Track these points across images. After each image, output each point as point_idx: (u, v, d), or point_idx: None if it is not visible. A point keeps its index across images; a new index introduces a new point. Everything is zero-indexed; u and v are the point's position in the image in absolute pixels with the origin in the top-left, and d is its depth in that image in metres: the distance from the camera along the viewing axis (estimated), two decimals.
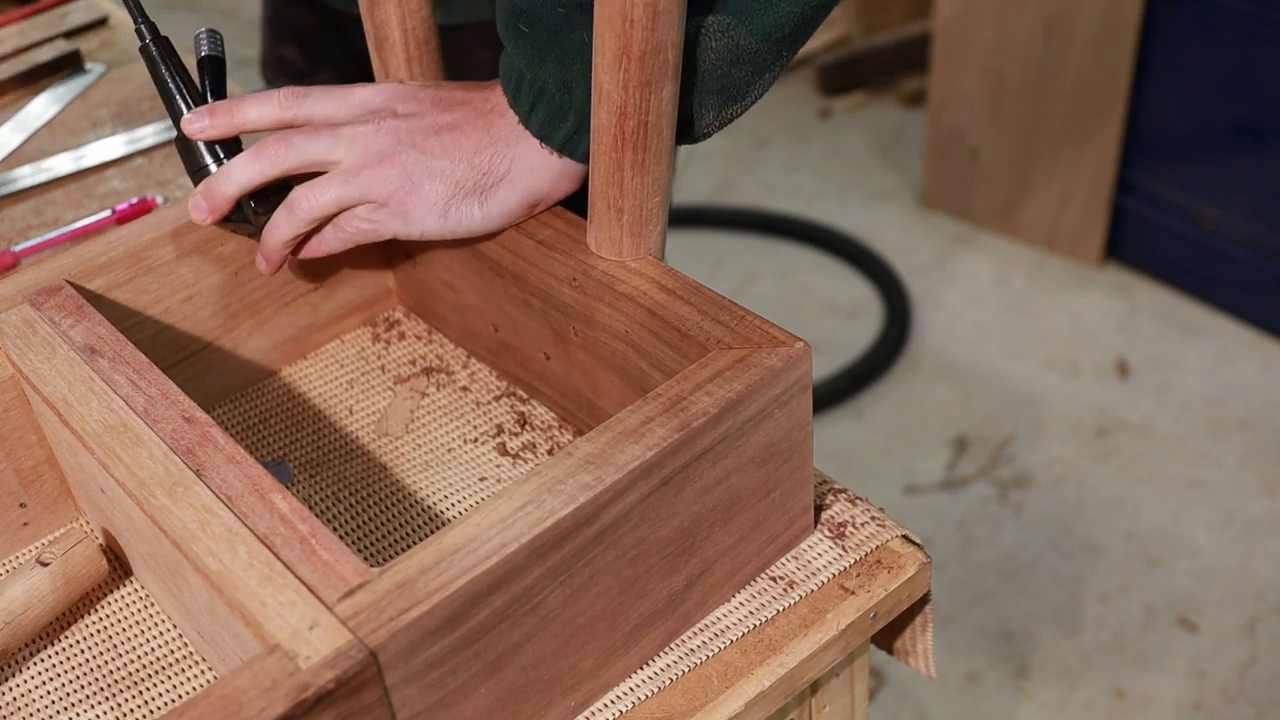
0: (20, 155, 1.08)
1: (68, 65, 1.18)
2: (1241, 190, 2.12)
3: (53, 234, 0.96)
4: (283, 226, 0.75)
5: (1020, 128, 2.29)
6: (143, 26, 0.75)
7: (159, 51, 0.76)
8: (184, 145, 0.76)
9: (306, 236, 0.76)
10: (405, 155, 0.72)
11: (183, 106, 0.76)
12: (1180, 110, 2.13)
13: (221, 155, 0.76)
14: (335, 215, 0.75)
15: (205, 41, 0.78)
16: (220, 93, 0.77)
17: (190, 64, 0.80)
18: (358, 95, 0.75)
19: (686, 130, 0.71)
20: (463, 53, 0.97)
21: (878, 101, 2.85)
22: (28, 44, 1.19)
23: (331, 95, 0.75)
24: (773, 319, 0.66)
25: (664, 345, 0.68)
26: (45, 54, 1.18)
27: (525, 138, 0.72)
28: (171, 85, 0.76)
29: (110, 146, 1.07)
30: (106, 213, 0.98)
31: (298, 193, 0.74)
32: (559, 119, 0.70)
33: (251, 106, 0.75)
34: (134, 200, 0.99)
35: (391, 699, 0.55)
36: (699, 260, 2.45)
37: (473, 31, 0.98)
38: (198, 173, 0.76)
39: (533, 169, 0.73)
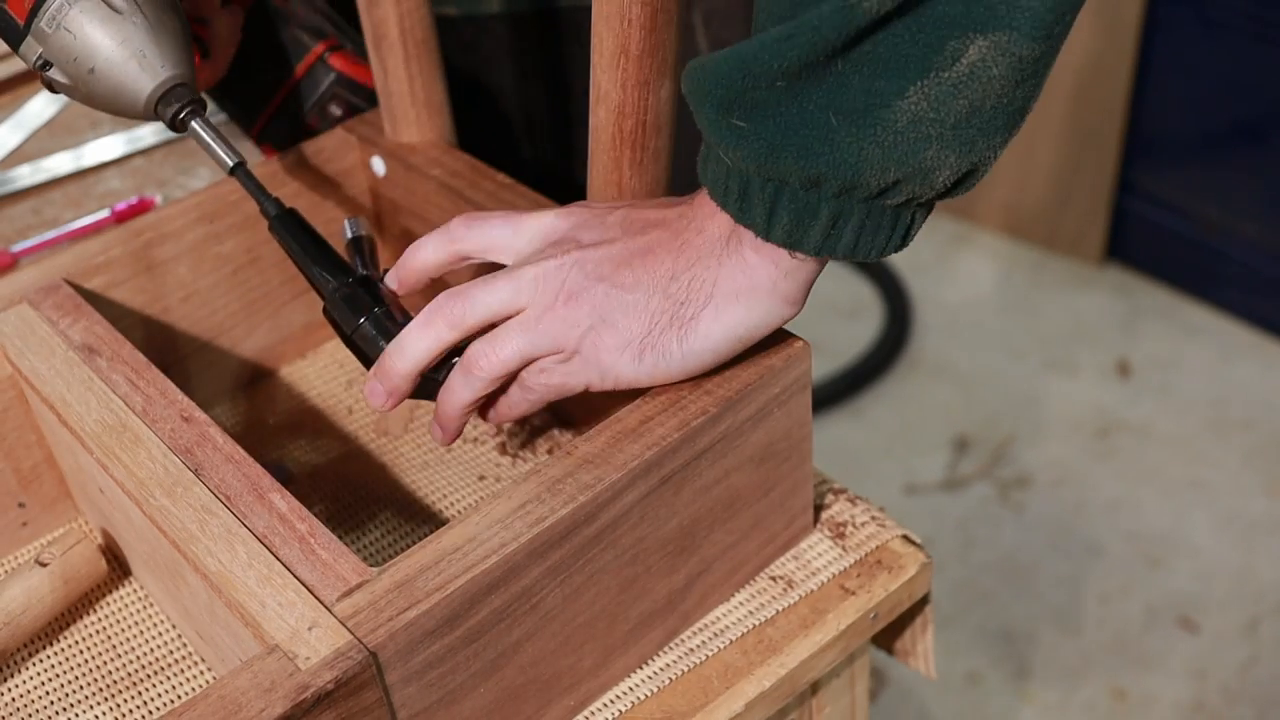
0: (19, 155, 1.08)
1: None
2: (1242, 190, 2.12)
3: (51, 234, 0.96)
4: (460, 391, 0.64)
5: (1020, 127, 2.29)
6: (267, 204, 0.70)
7: (288, 226, 0.70)
8: (343, 314, 0.68)
9: (490, 398, 0.66)
10: (595, 291, 0.61)
11: (327, 276, 0.68)
12: (1180, 110, 2.13)
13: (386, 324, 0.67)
14: (518, 371, 0.64)
15: (351, 227, 0.72)
16: (375, 264, 0.71)
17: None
18: (537, 224, 0.64)
19: (969, 182, 0.57)
20: (466, 47, 0.97)
21: None
22: None
23: (509, 222, 0.65)
24: None
25: None
26: None
27: (730, 257, 0.59)
28: (307, 256, 0.69)
29: (109, 146, 1.07)
30: (105, 212, 0.98)
31: (475, 350, 0.63)
32: (809, 218, 0.56)
33: (426, 248, 0.67)
34: (133, 200, 0.99)
35: (391, 699, 0.54)
36: None
37: (475, 25, 0.98)
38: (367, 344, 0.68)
39: (738, 293, 0.59)
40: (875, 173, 0.53)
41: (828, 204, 0.55)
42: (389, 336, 0.66)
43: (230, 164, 0.69)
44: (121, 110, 0.70)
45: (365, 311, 0.67)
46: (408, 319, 0.66)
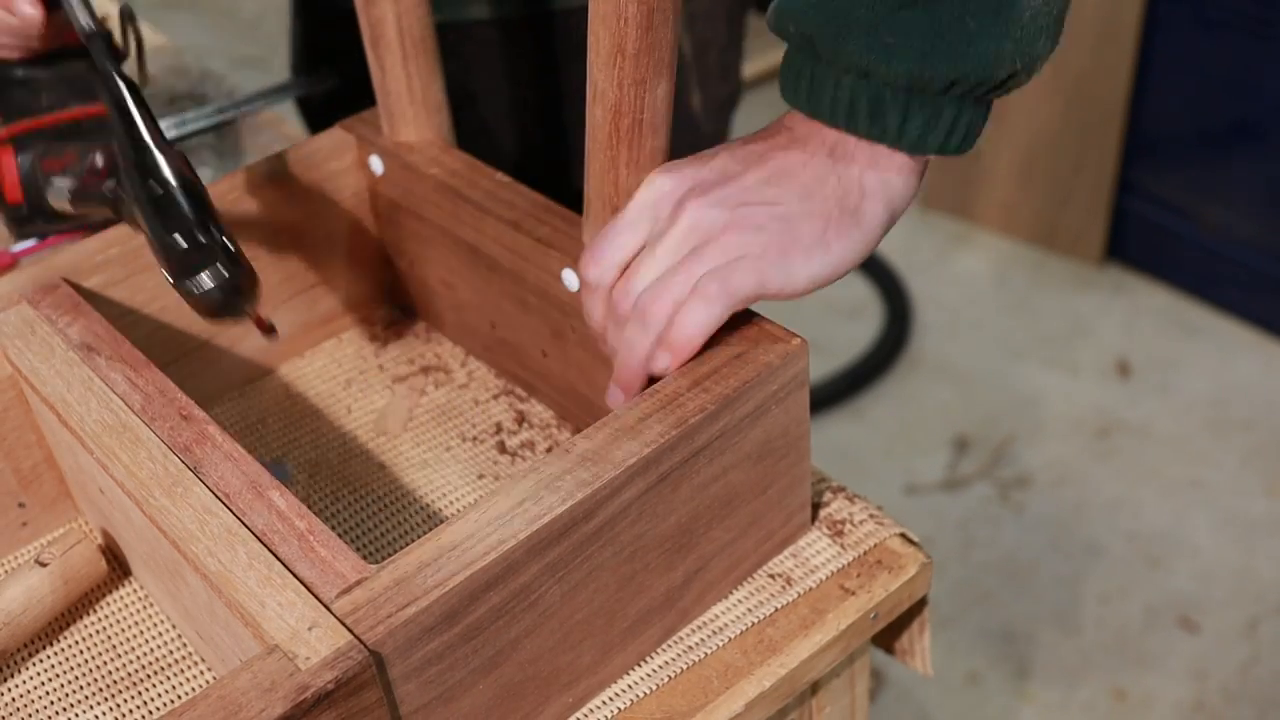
0: None
1: None
2: (1242, 190, 2.12)
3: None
4: (639, 341, 0.64)
5: (1020, 128, 2.29)
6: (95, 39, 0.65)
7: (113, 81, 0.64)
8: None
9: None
10: (746, 214, 0.62)
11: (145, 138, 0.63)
12: (1180, 110, 2.13)
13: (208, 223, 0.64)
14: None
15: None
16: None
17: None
18: (647, 201, 0.64)
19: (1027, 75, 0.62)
20: (465, 51, 0.97)
21: None
22: None
23: (621, 228, 0.65)
24: (772, 319, 0.66)
25: None
26: None
27: (861, 153, 0.62)
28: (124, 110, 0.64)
29: None
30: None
31: (644, 298, 0.63)
32: (935, 120, 0.61)
33: (595, 316, 0.67)
34: None
35: (391, 696, 0.55)
36: None
37: (476, 29, 0.98)
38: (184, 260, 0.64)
39: (885, 180, 0.63)
40: (1005, 67, 0.60)
41: (952, 105, 0.61)
42: (181, 213, 0.64)
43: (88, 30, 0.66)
44: None
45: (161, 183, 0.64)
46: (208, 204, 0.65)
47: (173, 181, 0.64)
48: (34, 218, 0.88)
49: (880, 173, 0.63)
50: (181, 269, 0.64)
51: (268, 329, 0.69)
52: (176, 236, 0.63)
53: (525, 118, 1.01)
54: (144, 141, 0.64)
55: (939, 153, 0.62)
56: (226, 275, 0.64)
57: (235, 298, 0.65)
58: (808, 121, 0.63)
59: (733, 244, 0.62)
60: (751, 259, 0.62)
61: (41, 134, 0.87)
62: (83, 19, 0.67)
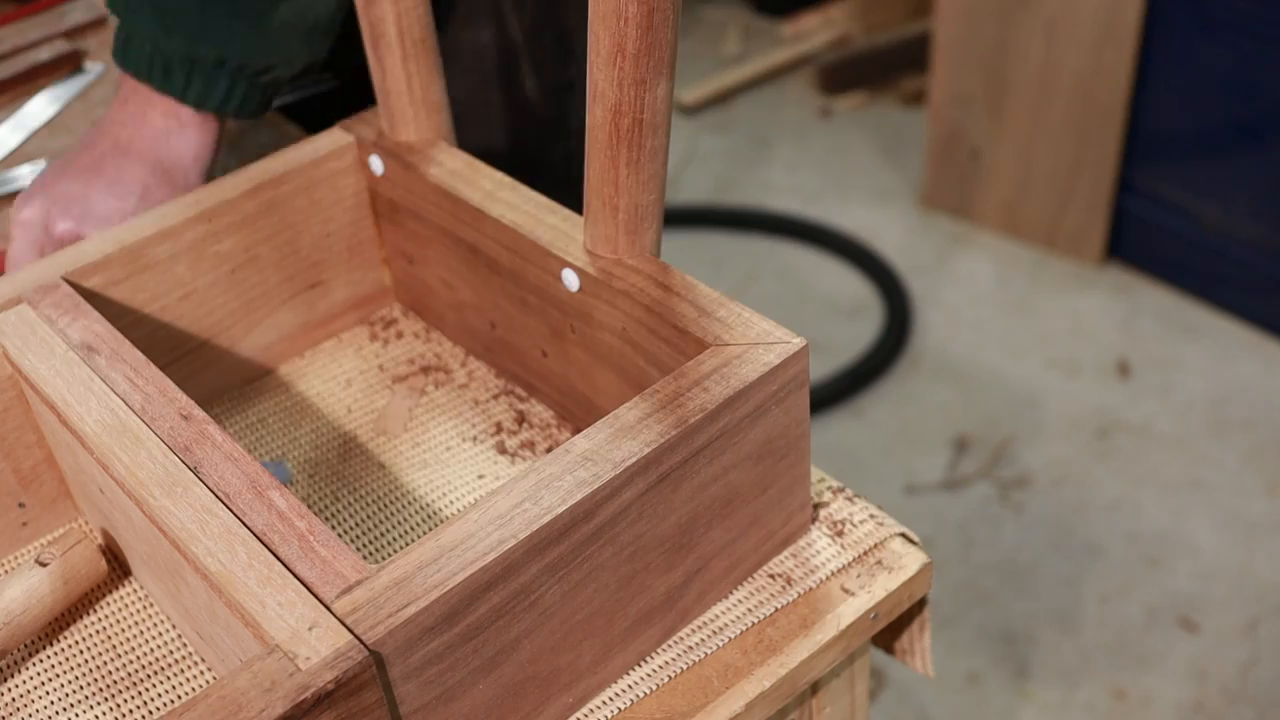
0: (20, 155, 1.08)
1: (67, 65, 1.18)
2: (1242, 190, 2.12)
3: None
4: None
5: (1020, 128, 2.29)
6: None
7: None
8: None
9: None
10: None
11: None
12: (1180, 110, 2.13)
13: None
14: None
15: None
16: None
17: None
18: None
19: (308, 75, 0.89)
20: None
21: (878, 101, 2.85)
22: (27, 43, 1.19)
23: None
24: (773, 319, 0.66)
25: (661, 342, 0.68)
26: (44, 53, 1.17)
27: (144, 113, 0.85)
28: None
29: None
30: None
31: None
32: (212, 86, 0.84)
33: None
34: None
35: (391, 696, 0.54)
36: (699, 260, 2.45)
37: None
38: None
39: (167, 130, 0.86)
40: (261, 60, 0.84)
41: (225, 77, 0.83)
42: None
43: None
44: None
45: None
46: None
47: None
48: None
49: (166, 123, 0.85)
50: None
51: None
52: None
53: (543, 118, 1.02)
54: None
55: (220, 112, 0.85)
56: None
57: None
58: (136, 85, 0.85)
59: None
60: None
61: None
62: None
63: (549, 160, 1.10)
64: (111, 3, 0.84)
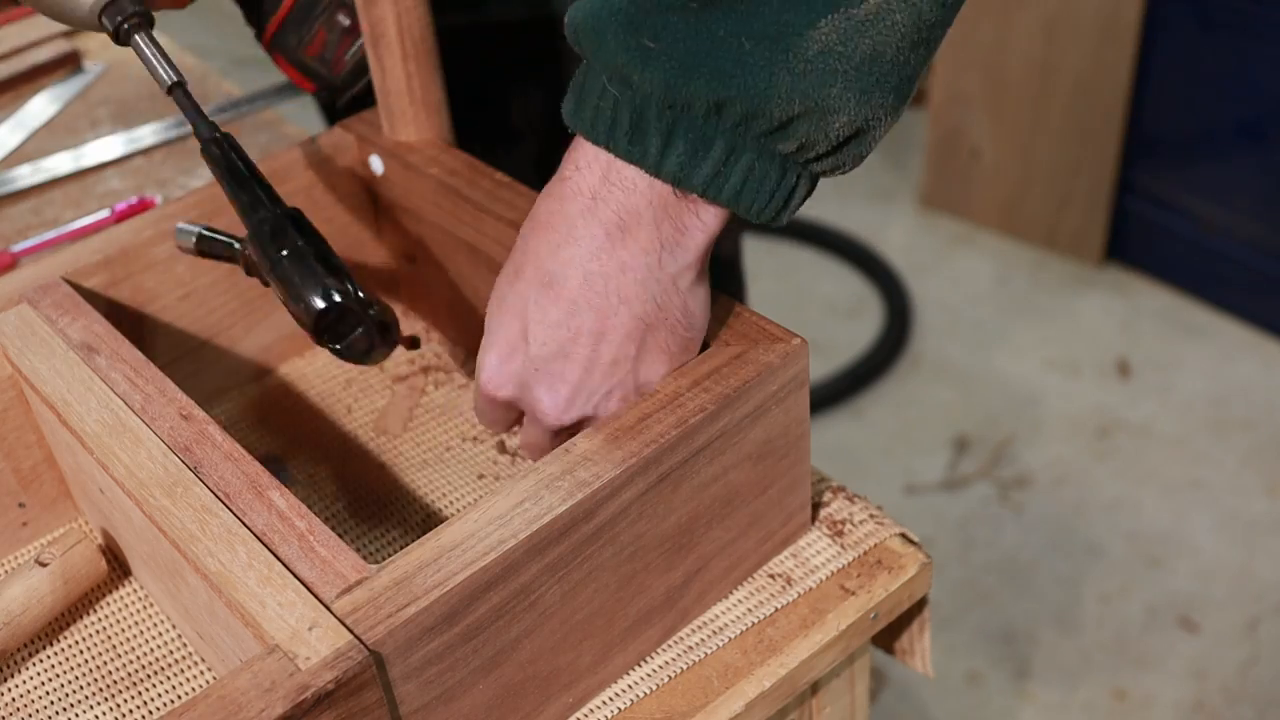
0: (19, 155, 1.08)
1: (67, 64, 1.18)
2: (1242, 190, 2.12)
3: (51, 234, 0.96)
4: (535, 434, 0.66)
5: (1020, 128, 2.29)
6: (201, 126, 0.66)
7: (222, 150, 0.66)
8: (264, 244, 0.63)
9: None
10: (594, 385, 0.62)
11: (250, 203, 0.64)
12: (1180, 110, 2.13)
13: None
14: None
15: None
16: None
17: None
18: (484, 401, 0.65)
19: (856, 148, 0.57)
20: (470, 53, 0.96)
21: None
22: (27, 43, 1.19)
23: (488, 415, 0.67)
24: (773, 319, 0.66)
25: None
26: (44, 53, 1.18)
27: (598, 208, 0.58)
28: (236, 183, 0.65)
29: (109, 146, 1.07)
30: (105, 212, 0.98)
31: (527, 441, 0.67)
32: (703, 149, 0.55)
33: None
34: (133, 200, 0.99)
35: (391, 696, 0.54)
36: None
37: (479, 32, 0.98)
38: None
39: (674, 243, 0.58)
40: (781, 102, 0.53)
41: (724, 136, 0.55)
42: (310, 274, 0.61)
43: (169, 82, 0.67)
44: (64, 15, 0.68)
45: (288, 244, 0.62)
46: (335, 259, 0.63)
47: (298, 243, 0.62)
48: (339, 90, 0.90)
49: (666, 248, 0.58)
50: (321, 328, 0.62)
51: (411, 344, 0.69)
52: (310, 299, 0.61)
53: (533, 117, 1.01)
54: (260, 201, 0.64)
55: (708, 195, 0.56)
56: (363, 326, 0.62)
57: (379, 343, 0.63)
58: (582, 152, 0.58)
59: (579, 399, 0.62)
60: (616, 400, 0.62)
61: (286, 25, 0.87)
62: (162, 72, 0.67)
63: None
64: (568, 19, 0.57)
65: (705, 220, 0.58)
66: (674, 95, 0.54)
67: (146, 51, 0.67)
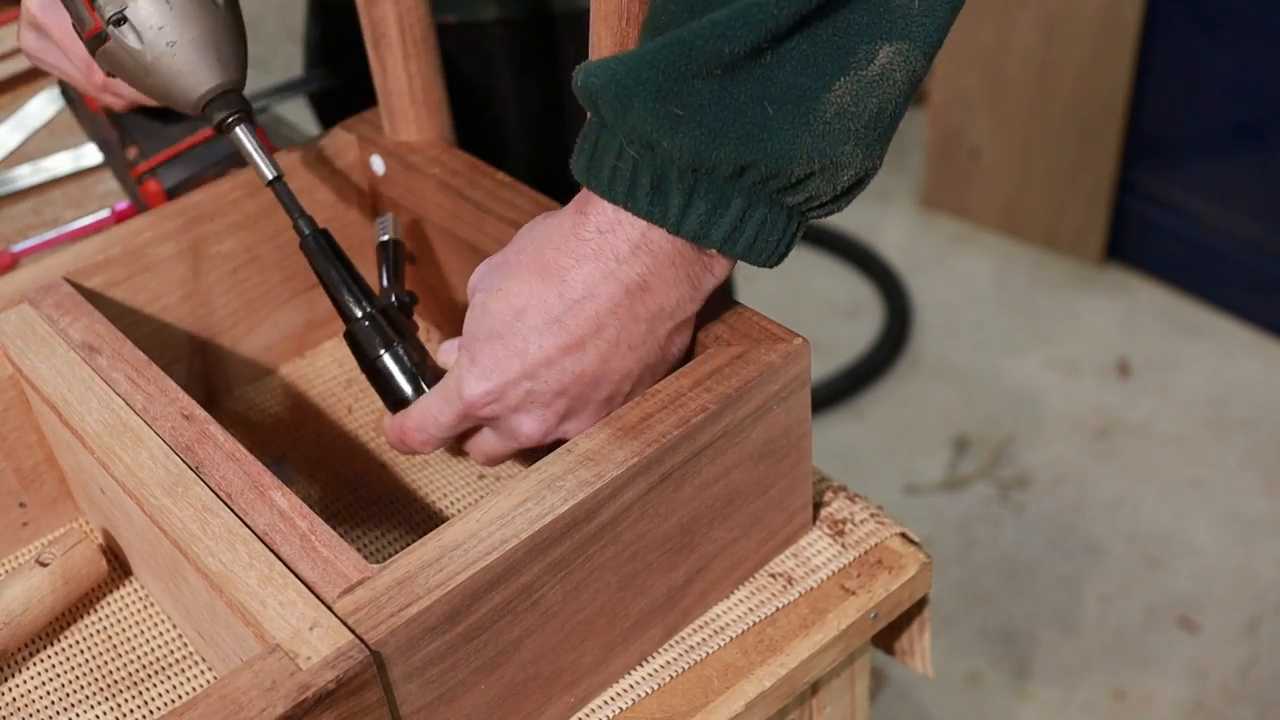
0: (19, 155, 1.08)
1: None
2: (1241, 190, 2.12)
3: (52, 233, 0.96)
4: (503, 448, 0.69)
5: (1020, 128, 2.29)
6: (301, 222, 0.70)
7: (320, 247, 0.71)
8: (366, 343, 0.71)
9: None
10: (566, 405, 0.64)
11: (351, 304, 0.70)
12: (1180, 110, 2.13)
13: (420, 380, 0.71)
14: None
15: (381, 228, 0.75)
16: (400, 279, 0.74)
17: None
18: (456, 410, 0.66)
19: (855, 193, 0.60)
20: (474, 51, 0.97)
21: None
22: None
23: (442, 427, 0.68)
24: (773, 319, 0.66)
25: None
26: None
27: (660, 256, 0.60)
28: (337, 279, 0.70)
29: None
30: (105, 212, 0.98)
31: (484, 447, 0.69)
32: (722, 209, 0.57)
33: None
34: None
35: (392, 696, 0.54)
36: None
37: (476, 30, 0.98)
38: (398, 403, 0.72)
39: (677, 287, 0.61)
40: (801, 162, 0.56)
41: (741, 195, 0.57)
42: (406, 373, 0.70)
43: (270, 177, 0.69)
44: (168, 98, 0.69)
45: (386, 345, 0.70)
46: (416, 353, 0.71)
47: (380, 354, 0.70)
48: None
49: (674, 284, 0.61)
50: (397, 406, 0.71)
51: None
52: (398, 391, 0.71)
53: (533, 115, 1.01)
54: (351, 315, 0.71)
55: (724, 250, 0.59)
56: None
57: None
58: (599, 210, 0.60)
59: (565, 425, 0.64)
60: (585, 419, 0.64)
61: (179, 160, 0.88)
62: (264, 167, 0.70)
63: None
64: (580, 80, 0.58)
65: (717, 273, 0.61)
66: (701, 160, 0.56)
67: (247, 145, 0.70)
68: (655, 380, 0.64)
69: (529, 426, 0.64)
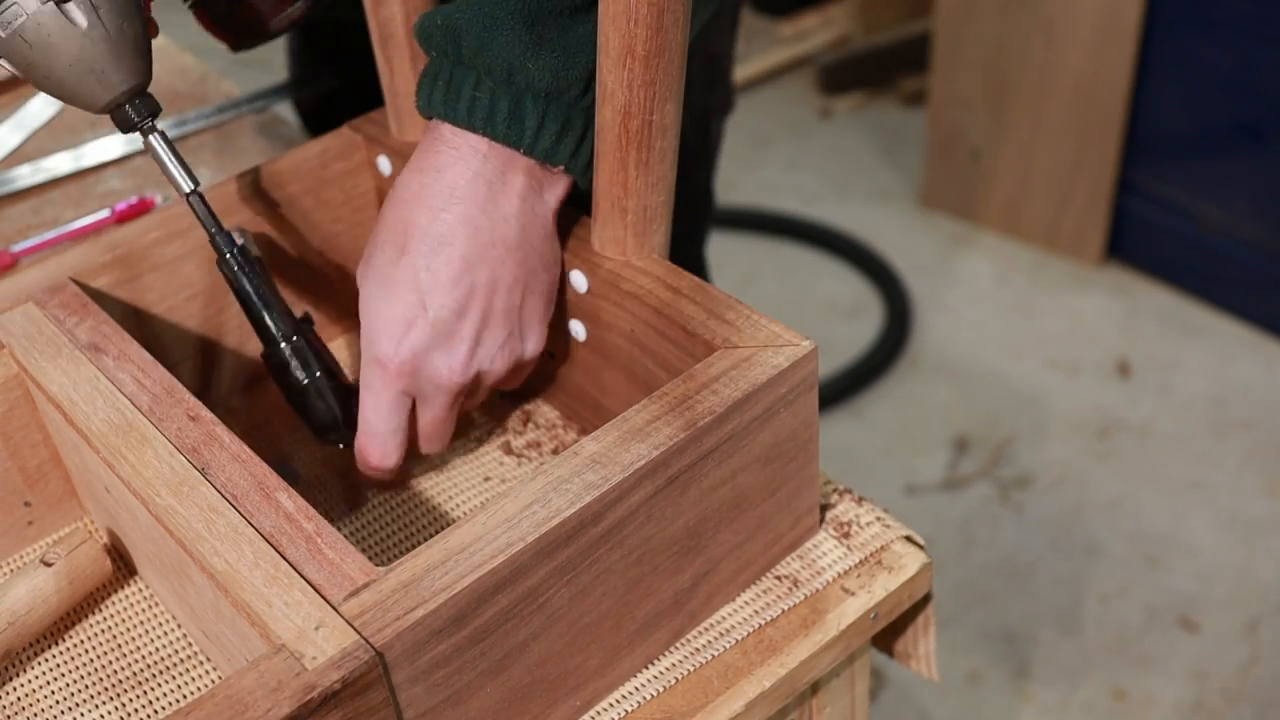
0: (20, 155, 1.08)
1: None
2: (1241, 190, 2.12)
3: (52, 234, 0.96)
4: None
5: (1020, 128, 2.29)
6: (219, 239, 0.70)
7: (240, 266, 0.71)
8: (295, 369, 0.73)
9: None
10: (479, 352, 0.69)
11: (273, 326, 0.72)
12: (1180, 110, 2.13)
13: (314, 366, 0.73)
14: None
15: (239, 236, 0.74)
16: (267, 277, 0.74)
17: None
18: (373, 392, 0.70)
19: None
20: None
21: (878, 101, 2.85)
22: None
23: (384, 416, 0.71)
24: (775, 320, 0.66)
25: (670, 344, 0.68)
26: None
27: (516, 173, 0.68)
28: (259, 300, 0.72)
29: (109, 146, 1.07)
30: (105, 212, 0.98)
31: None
32: (568, 130, 0.67)
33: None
34: (133, 200, 0.99)
35: (397, 698, 0.54)
36: None
37: None
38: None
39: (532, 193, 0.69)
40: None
41: (582, 115, 0.67)
42: (336, 394, 0.73)
43: (187, 189, 0.69)
44: (78, 89, 0.68)
45: (312, 368, 0.72)
46: (336, 371, 0.74)
47: (303, 380, 0.73)
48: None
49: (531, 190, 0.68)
50: (321, 433, 0.75)
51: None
52: (317, 425, 0.74)
53: None
54: (271, 336, 0.72)
55: (561, 164, 0.67)
56: (346, 431, 0.74)
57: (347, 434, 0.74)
58: (454, 135, 0.67)
59: (479, 352, 0.69)
60: (509, 350, 0.70)
61: None
62: (180, 179, 0.69)
63: (694, 190, 1.08)
64: (429, 21, 0.69)
65: (558, 191, 0.70)
66: (558, 79, 0.65)
67: (163, 154, 0.69)
68: (545, 293, 0.70)
69: (444, 364, 0.68)
